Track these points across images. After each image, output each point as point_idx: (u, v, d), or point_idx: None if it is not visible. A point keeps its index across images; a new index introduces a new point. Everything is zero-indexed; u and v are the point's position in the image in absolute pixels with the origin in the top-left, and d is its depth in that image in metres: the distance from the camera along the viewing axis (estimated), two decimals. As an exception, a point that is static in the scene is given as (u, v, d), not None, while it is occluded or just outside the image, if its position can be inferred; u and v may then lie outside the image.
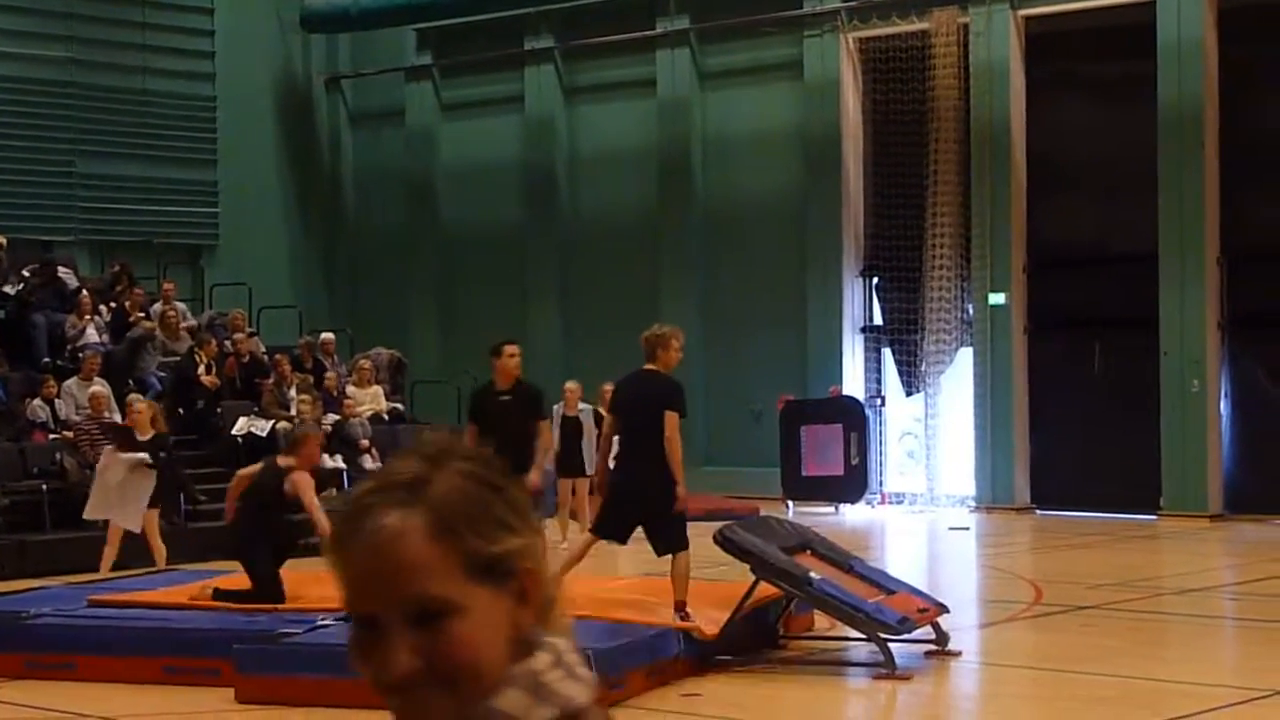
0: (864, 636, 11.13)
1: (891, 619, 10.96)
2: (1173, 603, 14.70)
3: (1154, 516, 21.75)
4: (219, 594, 12.05)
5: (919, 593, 12.09)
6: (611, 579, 13.61)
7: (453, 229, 28.84)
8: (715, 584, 12.63)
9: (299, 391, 21.05)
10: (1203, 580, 16.14)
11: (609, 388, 17.27)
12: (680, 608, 10.94)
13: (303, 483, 11.92)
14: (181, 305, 23.35)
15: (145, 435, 15.73)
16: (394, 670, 1.86)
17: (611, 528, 11.72)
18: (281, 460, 12.36)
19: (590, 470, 18.82)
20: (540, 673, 1.92)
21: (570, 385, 18.59)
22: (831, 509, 23.39)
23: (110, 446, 15.91)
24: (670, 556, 11.09)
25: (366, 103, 30.20)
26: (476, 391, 12.94)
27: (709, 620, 11.06)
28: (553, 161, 27.63)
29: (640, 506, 11.26)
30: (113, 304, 22.73)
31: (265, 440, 20.63)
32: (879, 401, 24.62)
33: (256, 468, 12.87)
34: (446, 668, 1.86)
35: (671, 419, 11.11)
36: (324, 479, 16.65)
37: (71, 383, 19.53)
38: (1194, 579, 16.23)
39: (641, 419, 11.18)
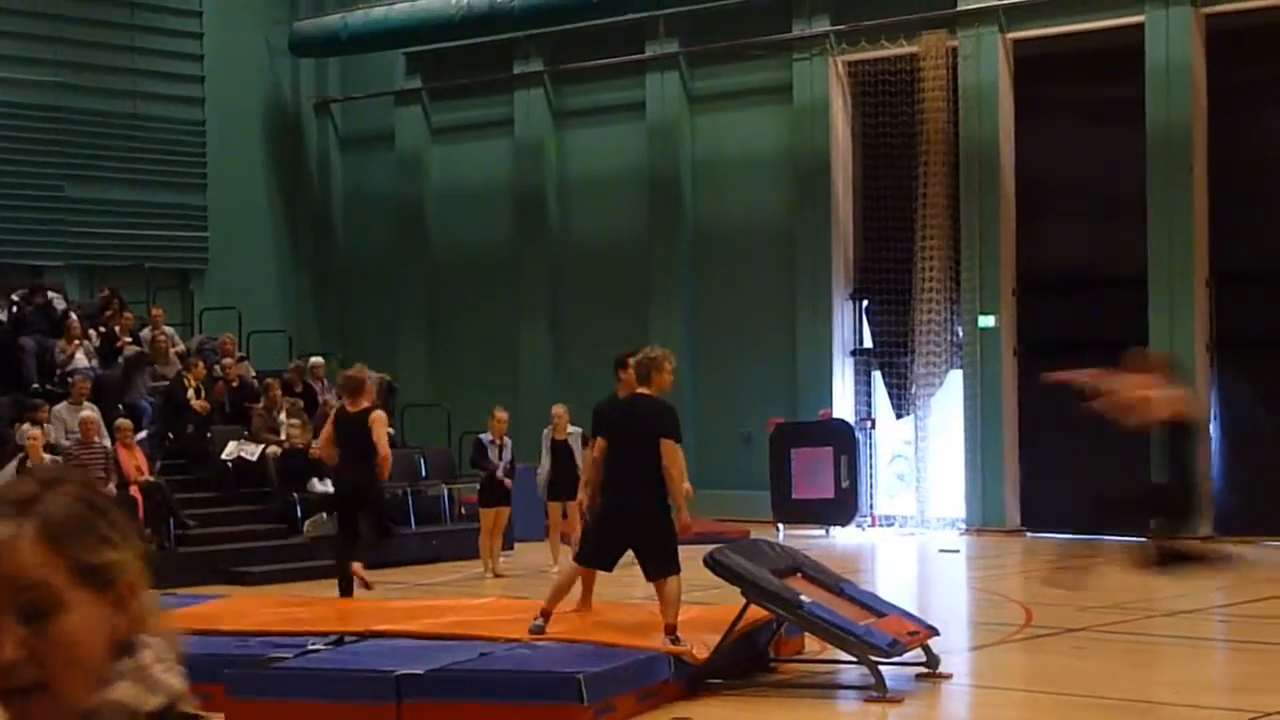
0: (855, 659, 11.12)
1: (882, 642, 10.95)
2: (1163, 625, 14.70)
3: (1144, 539, 21.70)
4: None
5: (909, 615, 12.09)
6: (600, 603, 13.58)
7: (443, 253, 28.85)
8: (706, 607, 12.62)
9: (289, 415, 21.03)
10: (1193, 602, 16.13)
11: (559, 410, 17.30)
12: (671, 631, 10.91)
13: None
14: (170, 330, 23.33)
15: None
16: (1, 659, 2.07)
17: (599, 556, 11.64)
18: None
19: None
20: (146, 666, 2.19)
21: (558, 409, 18.53)
22: (822, 532, 23.38)
23: None
24: (660, 580, 11.05)
25: (356, 127, 30.23)
26: (601, 405, 12.69)
27: (700, 644, 11.04)
28: (543, 185, 27.66)
29: (631, 533, 11.19)
30: (102, 328, 22.72)
31: (255, 464, 20.62)
32: (869, 424, 24.64)
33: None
34: (50, 660, 2.09)
35: (670, 445, 11.05)
36: None
37: (61, 407, 19.50)
38: (1184, 601, 16.22)
39: (636, 443, 11.11)
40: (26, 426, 19.03)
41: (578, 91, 27.58)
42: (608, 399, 12.63)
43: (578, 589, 12.03)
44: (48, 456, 15.62)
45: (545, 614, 11.15)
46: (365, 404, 14.49)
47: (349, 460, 14.35)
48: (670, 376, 11.37)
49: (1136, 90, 22.17)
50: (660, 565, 11.03)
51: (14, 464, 15.22)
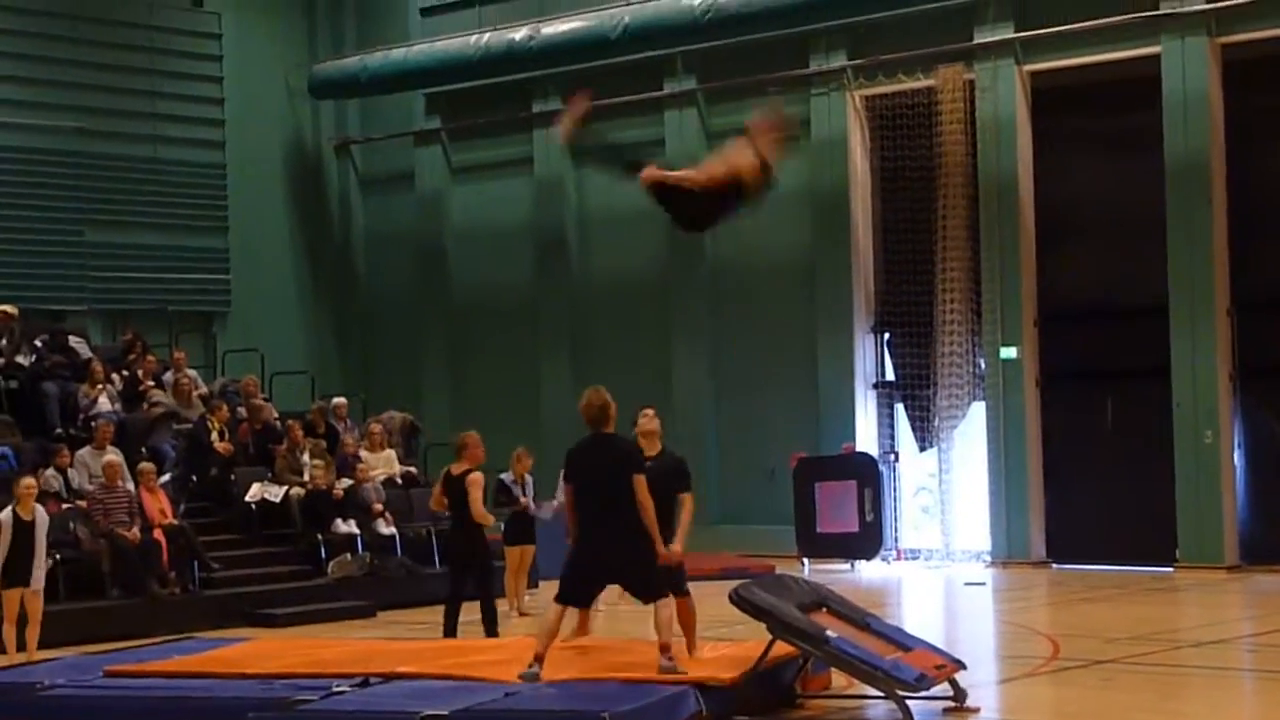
0: (882, 694, 11.08)
1: (909, 676, 10.91)
2: (1191, 655, 14.63)
3: (1170, 568, 21.68)
4: None
5: (936, 649, 12.04)
6: (620, 639, 13.56)
7: (463, 292, 28.91)
8: (732, 643, 12.58)
9: (312, 456, 21.06)
10: (1221, 632, 16.06)
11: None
12: (664, 650, 10.93)
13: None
14: (194, 373, 23.38)
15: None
16: None
17: (578, 594, 11.70)
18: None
19: None
20: None
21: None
22: (847, 566, 23.32)
23: None
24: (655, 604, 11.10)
25: (376, 167, 30.34)
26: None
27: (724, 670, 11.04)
28: (563, 223, 27.72)
29: (606, 570, 11.37)
30: (125, 372, 22.77)
31: (279, 506, 20.64)
32: (892, 457, 24.59)
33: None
34: None
35: (641, 482, 11.04)
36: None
37: (85, 452, 19.54)
38: (1212, 631, 16.15)
39: (605, 484, 11.16)
40: (51, 472, 19.10)
41: (597, 129, 27.55)
42: (580, 443, 12.44)
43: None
44: (38, 506, 15.41)
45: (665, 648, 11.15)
46: (466, 465, 15.10)
47: (453, 522, 15.24)
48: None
49: (1154, 120, 22.17)
50: (649, 586, 11.27)
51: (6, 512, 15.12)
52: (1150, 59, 22.22)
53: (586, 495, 11.37)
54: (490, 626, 15.11)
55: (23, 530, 14.96)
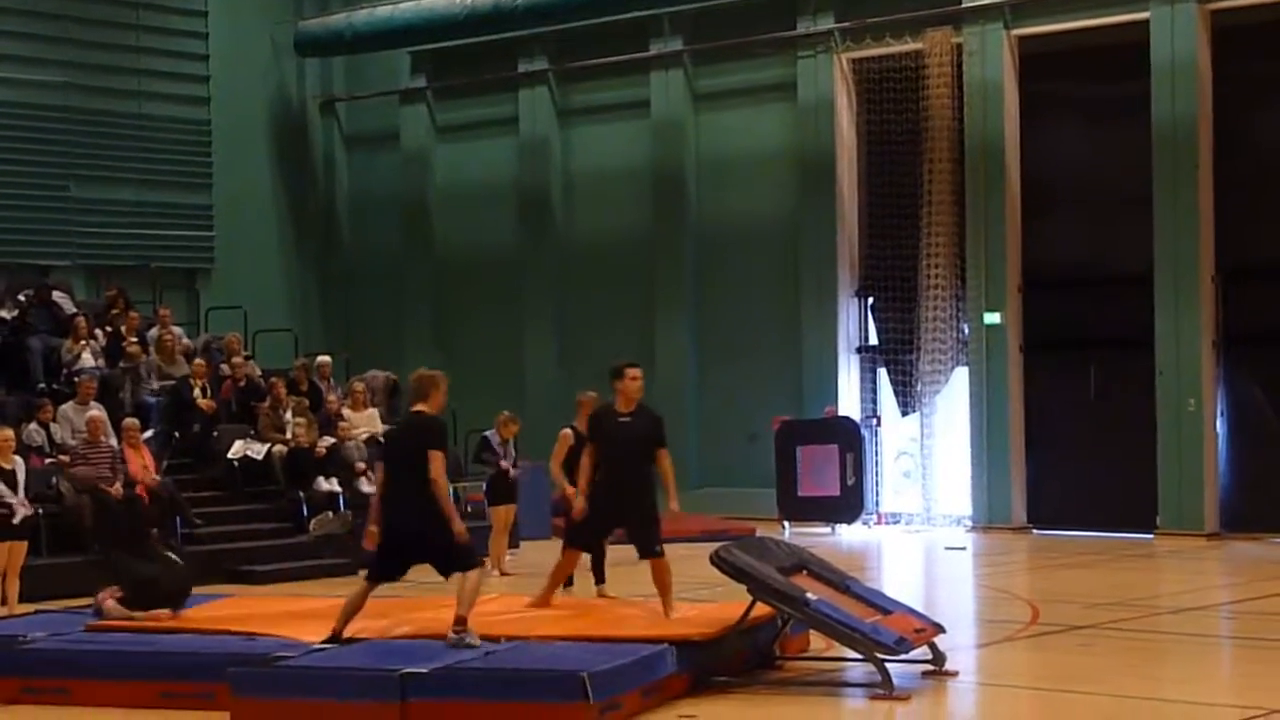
0: (861, 657, 11.11)
1: (888, 639, 10.94)
2: (1170, 622, 14.68)
3: (1150, 535, 21.75)
4: None
5: (916, 613, 12.07)
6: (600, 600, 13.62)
7: (448, 251, 28.86)
8: (712, 605, 12.61)
9: (295, 414, 21.03)
10: (1200, 599, 16.13)
11: (584, 399, 16.77)
12: (460, 622, 10.82)
13: None
14: (178, 329, 23.33)
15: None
16: None
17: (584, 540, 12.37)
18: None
19: None
20: None
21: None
22: (828, 529, 23.38)
23: None
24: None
25: (361, 126, 30.24)
26: (596, 413, 12.64)
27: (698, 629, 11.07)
28: (547, 183, 27.67)
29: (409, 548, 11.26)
30: (108, 328, 22.71)
31: (261, 463, 20.62)
32: (874, 421, 24.63)
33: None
34: None
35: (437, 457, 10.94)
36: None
37: (68, 407, 19.50)
38: (1191, 598, 16.22)
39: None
40: (34, 426, 19.06)
41: (582, 90, 27.58)
42: (602, 409, 12.60)
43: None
44: (17, 458, 15.52)
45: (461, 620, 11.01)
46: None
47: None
48: (444, 396, 11.37)
49: (1142, 87, 22.15)
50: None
51: None
52: (1139, 25, 22.19)
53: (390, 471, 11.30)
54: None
55: (7, 481, 15.02)
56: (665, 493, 12.44)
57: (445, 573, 11.20)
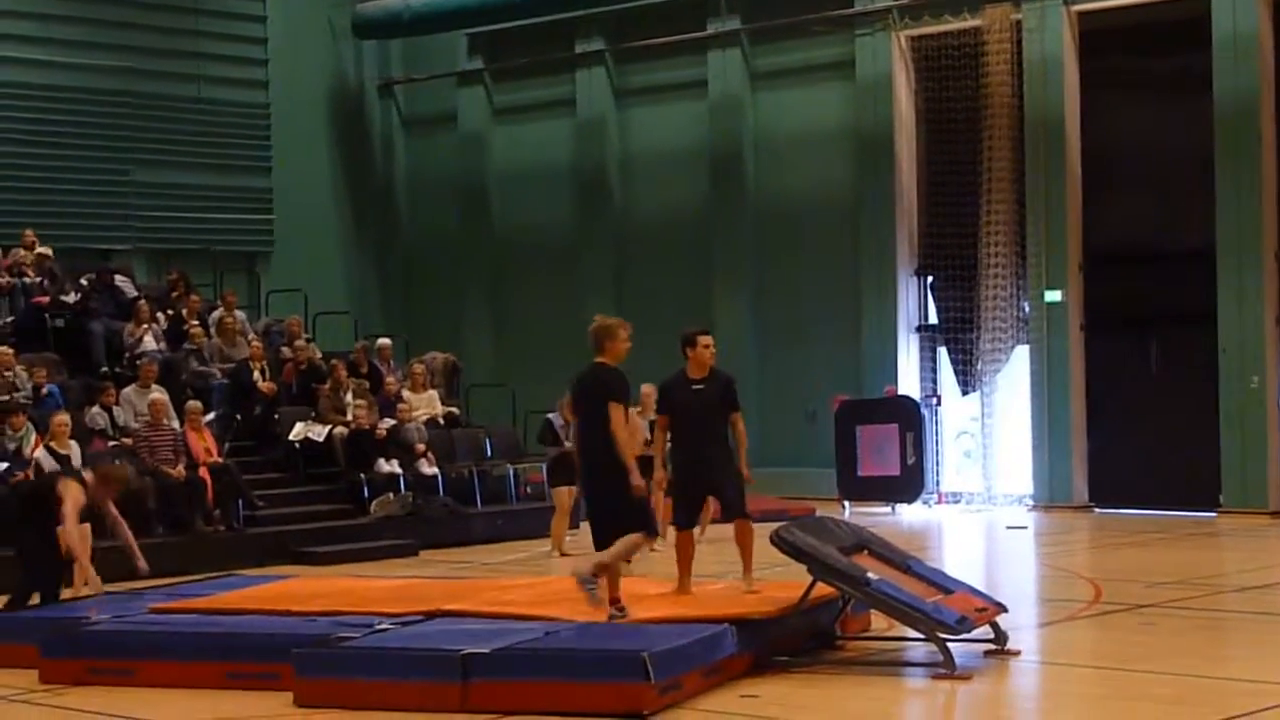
0: (922, 636, 11.07)
1: (950, 618, 10.90)
2: (1233, 600, 14.58)
3: (1213, 514, 21.60)
4: None
5: (977, 592, 12.02)
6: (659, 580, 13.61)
7: (505, 232, 28.91)
8: (773, 583, 12.59)
9: (355, 396, 21.13)
10: (1263, 577, 16.01)
11: (648, 390, 17.27)
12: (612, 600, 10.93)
13: None
14: (241, 313, 23.48)
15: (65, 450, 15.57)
16: None
17: (687, 517, 12.30)
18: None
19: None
20: None
21: (646, 389, 18.44)
22: (888, 509, 23.32)
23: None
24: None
25: (419, 108, 30.31)
26: (667, 382, 12.65)
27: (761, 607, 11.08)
28: (604, 164, 27.66)
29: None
30: (169, 311, 22.87)
31: (322, 445, 20.72)
32: (935, 401, 24.55)
33: None
34: None
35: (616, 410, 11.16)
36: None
37: (130, 390, 19.65)
38: (1254, 576, 16.10)
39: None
40: (96, 410, 19.22)
41: (639, 70, 27.55)
42: (674, 377, 12.61)
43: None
44: (73, 443, 15.54)
45: (615, 601, 11.10)
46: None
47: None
48: (625, 344, 11.47)
49: (1203, 61, 21.95)
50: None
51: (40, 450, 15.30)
52: (1200, -1, 22.00)
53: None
54: None
55: (62, 465, 15.11)
56: (738, 457, 12.47)
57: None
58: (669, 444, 12.45)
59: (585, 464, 11.47)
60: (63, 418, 15.67)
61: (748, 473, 12.44)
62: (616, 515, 11.16)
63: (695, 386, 12.33)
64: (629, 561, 11.82)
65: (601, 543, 11.21)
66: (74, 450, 15.38)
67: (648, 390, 18.09)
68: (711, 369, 12.46)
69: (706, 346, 12.44)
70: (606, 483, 11.13)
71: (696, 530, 12.87)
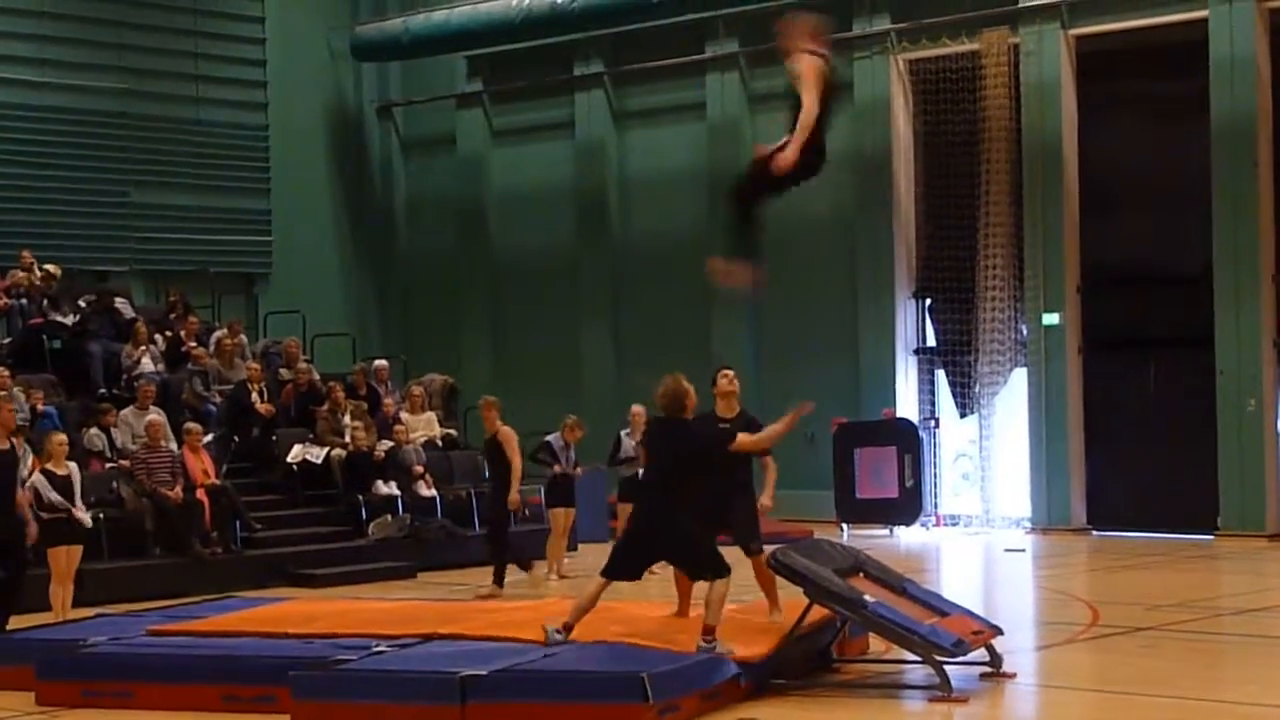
0: (919, 659, 11.07)
1: (946, 641, 10.90)
2: (1232, 623, 14.58)
3: (1211, 536, 21.60)
4: None
5: (973, 615, 12.03)
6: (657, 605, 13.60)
7: (504, 255, 28.93)
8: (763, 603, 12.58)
9: (353, 418, 21.13)
10: (1262, 600, 16.01)
11: (638, 410, 17.43)
12: (708, 631, 10.79)
13: None
14: (243, 336, 23.48)
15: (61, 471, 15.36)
16: None
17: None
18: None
19: None
20: None
21: (637, 409, 18.48)
22: (886, 531, 23.31)
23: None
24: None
25: (418, 130, 30.35)
26: (700, 420, 12.73)
27: (761, 644, 11.04)
28: (604, 186, 27.69)
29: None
30: (168, 332, 22.88)
31: (320, 467, 20.71)
32: (933, 423, 24.54)
33: None
34: None
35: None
36: None
37: (128, 411, 19.65)
38: (1253, 599, 16.10)
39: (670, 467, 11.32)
40: (95, 431, 19.21)
41: (638, 92, 27.60)
42: (704, 415, 12.52)
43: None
44: (72, 465, 15.38)
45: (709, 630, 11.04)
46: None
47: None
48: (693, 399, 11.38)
49: (1200, 85, 22.00)
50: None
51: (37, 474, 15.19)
52: (1197, 23, 22.03)
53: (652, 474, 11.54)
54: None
55: (61, 486, 15.04)
56: (764, 489, 12.43)
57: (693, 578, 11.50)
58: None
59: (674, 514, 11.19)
60: (60, 437, 15.59)
61: (770, 502, 12.40)
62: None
63: (723, 424, 12.27)
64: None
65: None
66: (72, 471, 15.32)
67: (638, 411, 18.16)
68: (741, 409, 12.47)
69: (725, 377, 12.54)
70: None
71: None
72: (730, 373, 12.64)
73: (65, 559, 15.03)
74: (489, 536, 18.04)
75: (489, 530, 18.10)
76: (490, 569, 17.39)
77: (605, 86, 27.67)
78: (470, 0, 28.00)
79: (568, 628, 11.00)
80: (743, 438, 11.36)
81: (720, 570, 10.92)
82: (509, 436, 17.28)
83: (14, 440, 14.45)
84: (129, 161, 26.53)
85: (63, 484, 15.10)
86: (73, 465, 15.37)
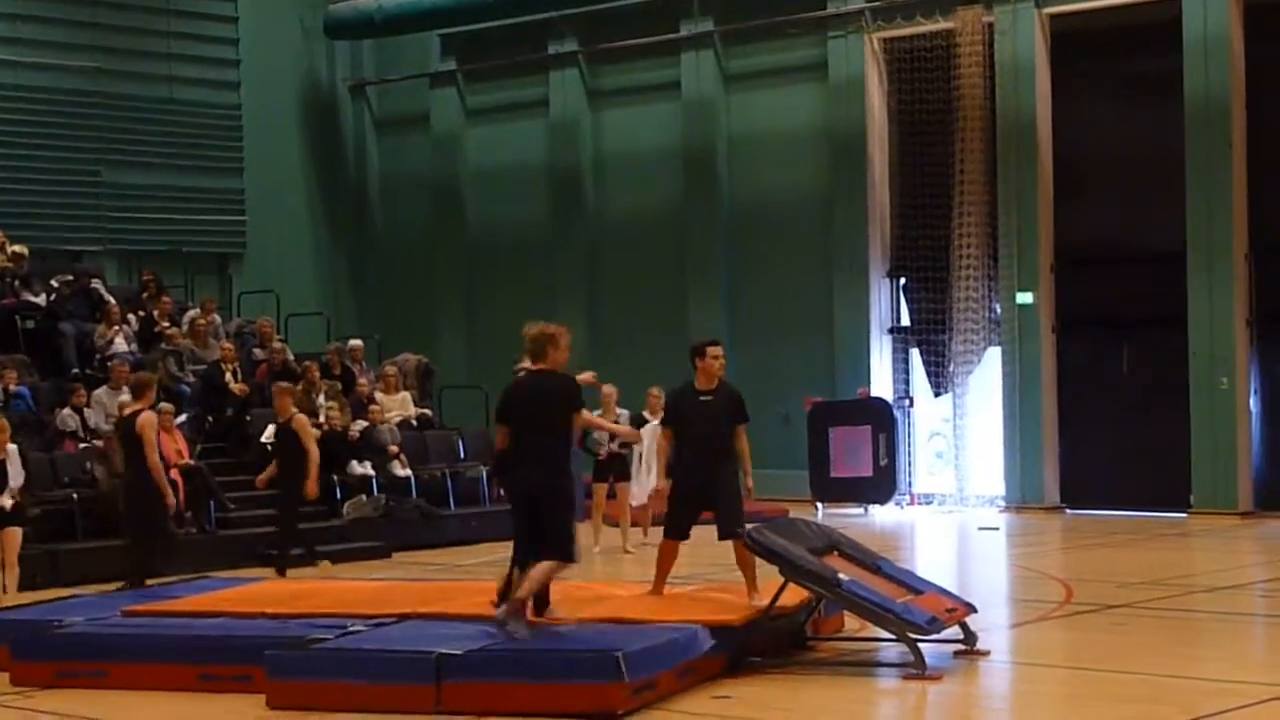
0: (893, 637, 11.11)
1: (920, 619, 10.94)
2: (1204, 600, 14.65)
3: (1184, 514, 21.69)
4: None
5: (947, 593, 12.07)
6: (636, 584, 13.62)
7: (479, 233, 28.89)
8: (742, 585, 12.60)
9: (328, 398, 21.09)
10: (1234, 578, 16.09)
11: (655, 392, 17.43)
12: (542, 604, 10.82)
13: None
14: (217, 317, 23.41)
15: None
16: None
17: (679, 527, 12.08)
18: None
19: (635, 474, 18.81)
20: None
21: (608, 389, 18.39)
22: (860, 510, 23.37)
23: None
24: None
25: (391, 109, 30.28)
26: (675, 392, 12.51)
27: (733, 613, 11.09)
28: (578, 165, 27.67)
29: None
30: (141, 312, 22.81)
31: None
32: (907, 402, 24.60)
33: None
34: None
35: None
36: None
37: (101, 391, 19.60)
38: (1225, 576, 16.18)
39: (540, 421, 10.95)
40: (67, 411, 19.15)
41: (612, 71, 27.56)
42: (682, 388, 12.47)
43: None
44: (10, 447, 14.94)
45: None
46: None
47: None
48: (566, 352, 11.15)
49: (1174, 64, 22.05)
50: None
51: None
52: (1171, 2, 22.08)
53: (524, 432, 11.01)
54: None
55: None
56: (742, 470, 12.27)
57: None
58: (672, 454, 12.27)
59: (543, 473, 10.83)
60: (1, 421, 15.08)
61: (750, 483, 12.33)
62: (545, 536, 10.81)
63: (703, 398, 12.16)
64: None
65: (526, 559, 10.87)
66: (10, 454, 14.84)
67: (609, 391, 18.16)
68: (720, 380, 12.31)
69: (715, 357, 12.28)
70: (557, 491, 10.77)
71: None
72: (719, 348, 12.36)
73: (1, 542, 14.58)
74: (280, 527, 16.99)
75: (280, 520, 17.00)
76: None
77: (580, 65, 27.63)
78: (444, -22, 27.94)
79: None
80: (585, 414, 11.22)
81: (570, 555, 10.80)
82: (303, 424, 16.75)
83: None
84: (101, 141, 26.44)
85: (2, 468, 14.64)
86: (12, 448, 14.91)
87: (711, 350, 12.31)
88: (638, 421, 19.36)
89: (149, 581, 14.39)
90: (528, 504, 10.90)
